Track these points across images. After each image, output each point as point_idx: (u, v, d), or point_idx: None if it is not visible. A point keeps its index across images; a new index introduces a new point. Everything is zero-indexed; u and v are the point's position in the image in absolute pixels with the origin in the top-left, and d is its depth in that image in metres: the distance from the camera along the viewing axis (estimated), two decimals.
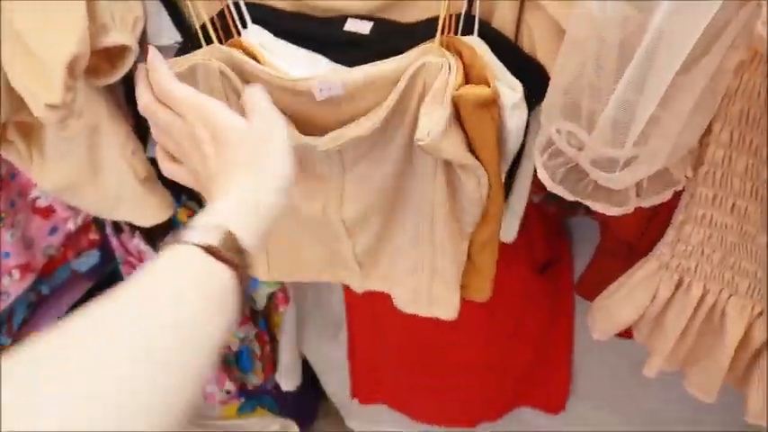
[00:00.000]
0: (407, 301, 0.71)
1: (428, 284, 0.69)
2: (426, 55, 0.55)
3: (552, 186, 0.56)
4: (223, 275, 0.39)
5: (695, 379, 0.65)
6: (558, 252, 0.89)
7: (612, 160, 0.53)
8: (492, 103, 0.56)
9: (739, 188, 0.56)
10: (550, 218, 0.87)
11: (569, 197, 0.56)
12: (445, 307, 0.69)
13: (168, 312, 0.36)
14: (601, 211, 0.56)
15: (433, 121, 0.54)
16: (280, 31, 0.59)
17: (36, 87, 0.55)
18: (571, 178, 0.56)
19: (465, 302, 0.70)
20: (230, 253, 0.40)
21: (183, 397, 0.34)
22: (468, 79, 0.56)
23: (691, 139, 0.52)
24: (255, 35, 0.58)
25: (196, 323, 0.36)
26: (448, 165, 0.60)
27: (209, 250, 0.39)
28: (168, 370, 0.33)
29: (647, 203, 0.56)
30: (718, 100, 0.51)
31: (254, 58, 0.56)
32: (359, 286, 0.72)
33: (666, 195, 0.56)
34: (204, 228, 0.41)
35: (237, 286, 0.40)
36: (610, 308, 0.65)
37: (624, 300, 0.64)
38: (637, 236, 0.67)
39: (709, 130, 0.55)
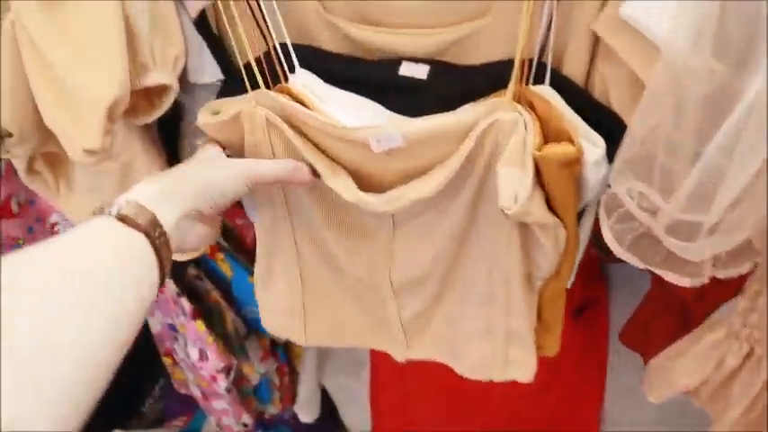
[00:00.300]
0: (475, 367, 0.65)
1: (503, 347, 0.63)
2: (497, 110, 0.50)
3: (620, 252, 0.52)
4: (133, 239, 0.43)
5: None
6: (595, 295, 0.85)
7: (692, 227, 0.49)
8: (576, 162, 0.52)
9: None
10: (592, 260, 0.83)
11: (640, 265, 0.52)
12: (523, 369, 0.64)
13: (84, 261, 0.39)
14: (672, 281, 0.52)
15: (518, 186, 0.49)
16: (329, 75, 0.55)
17: (73, 131, 0.51)
18: (642, 244, 0.52)
19: None
20: (143, 224, 0.44)
21: (104, 336, 0.37)
22: (545, 135, 0.52)
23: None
24: (304, 79, 0.55)
25: (110, 274, 0.40)
26: (523, 225, 0.55)
27: (121, 218, 0.43)
28: (86, 306, 0.37)
29: (723, 275, 0.52)
30: None
31: (303, 104, 0.52)
32: (401, 356, 0.67)
33: (746, 268, 0.52)
34: (118, 202, 0.45)
35: (151, 250, 0.43)
36: (670, 372, 0.62)
37: (687, 366, 0.61)
38: (696, 295, 0.63)
39: None
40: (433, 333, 0.65)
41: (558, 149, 0.50)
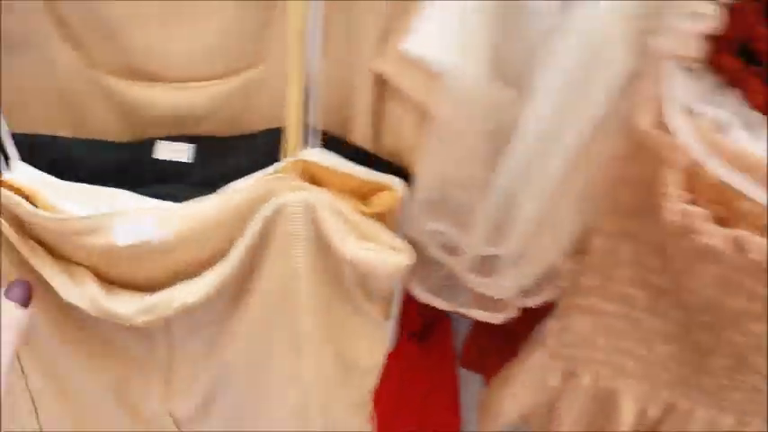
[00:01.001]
0: None
1: None
2: (278, 190, 0.44)
3: (428, 299, 0.50)
4: None
5: None
6: (436, 316, 0.84)
7: (493, 262, 0.48)
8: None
9: (626, 276, 0.53)
10: None
11: (445, 307, 0.51)
12: None
13: None
14: (484, 320, 0.51)
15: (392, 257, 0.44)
16: (67, 166, 0.45)
17: None
18: (447, 286, 0.51)
19: None
20: None
21: None
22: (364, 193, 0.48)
23: (570, 237, 0.49)
24: (26, 175, 0.44)
25: None
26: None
27: None
28: None
29: (533, 302, 0.52)
30: (593, 195, 0.48)
31: (30, 200, 0.43)
32: None
33: (553, 292, 0.52)
34: None
35: None
36: (499, 402, 0.61)
37: (512, 394, 0.60)
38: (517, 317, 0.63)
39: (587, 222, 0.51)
40: None
41: (383, 199, 0.47)
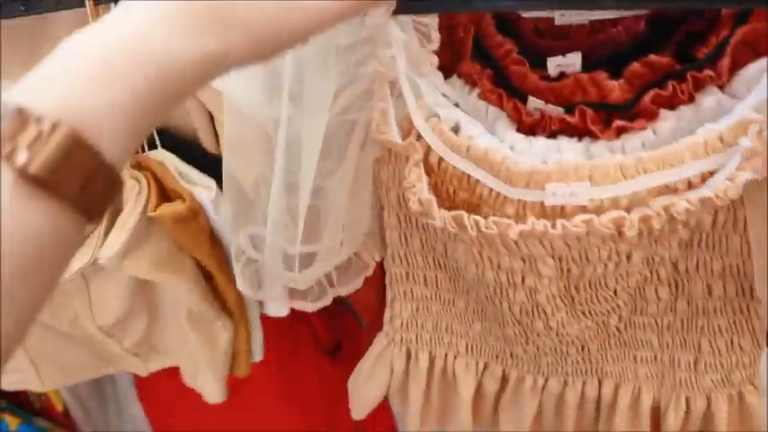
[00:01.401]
0: (189, 375, 0.73)
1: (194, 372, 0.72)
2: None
3: (254, 294, 0.59)
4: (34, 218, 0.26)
5: None
6: (348, 329, 0.91)
7: (291, 259, 0.56)
8: (191, 217, 0.59)
9: (422, 262, 0.60)
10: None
11: (268, 300, 0.59)
12: (210, 391, 0.72)
13: None
14: (300, 309, 0.60)
15: (112, 244, 0.58)
16: None
17: None
18: (267, 282, 0.59)
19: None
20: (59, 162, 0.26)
21: None
22: (166, 195, 0.60)
23: (359, 229, 0.57)
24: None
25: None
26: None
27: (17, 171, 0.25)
28: None
29: (344, 291, 0.60)
30: (368, 191, 0.56)
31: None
32: (144, 370, 0.75)
33: (359, 282, 0.60)
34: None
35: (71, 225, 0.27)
36: (359, 389, 0.68)
37: (368, 380, 0.67)
38: (376, 313, 0.70)
39: (381, 217, 0.59)
40: (164, 347, 0.72)
41: (168, 209, 0.58)
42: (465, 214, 0.49)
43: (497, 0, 0.48)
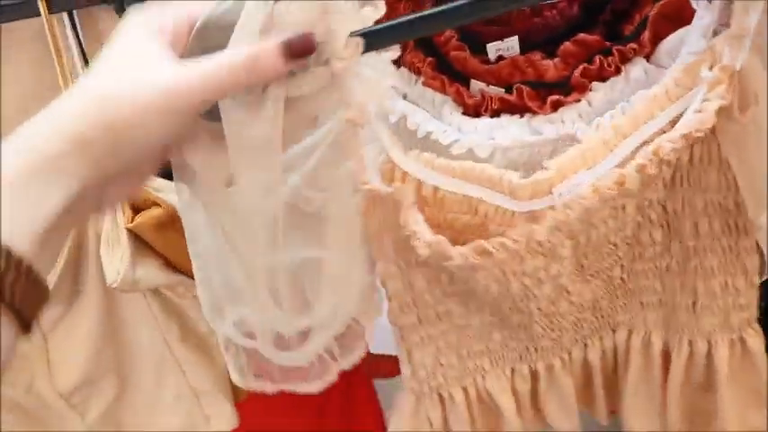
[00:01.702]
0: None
1: (197, 408, 0.68)
2: None
3: (247, 385, 0.54)
4: None
5: None
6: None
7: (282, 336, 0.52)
8: (170, 220, 0.56)
9: (431, 300, 0.58)
10: None
11: (269, 390, 0.54)
12: (223, 419, 0.69)
13: None
14: (305, 392, 0.55)
15: (116, 262, 0.54)
16: None
17: None
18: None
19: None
20: None
21: None
22: (137, 207, 0.57)
23: (355, 290, 0.54)
24: None
25: None
26: (157, 293, 0.61)
27: None
28: None
29: (347, 364, 0.56)
30: (357, 248, 0.53)
31: None
32: None
33: (362, 348, 0.57)
34: None
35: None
36: None
37: None
38: None
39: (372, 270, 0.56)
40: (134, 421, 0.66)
41: (145, 216, 0.56)
42: (484, 242, 0.49)
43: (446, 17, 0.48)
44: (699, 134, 0.48)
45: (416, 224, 0.50)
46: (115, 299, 0.61)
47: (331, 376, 0.56)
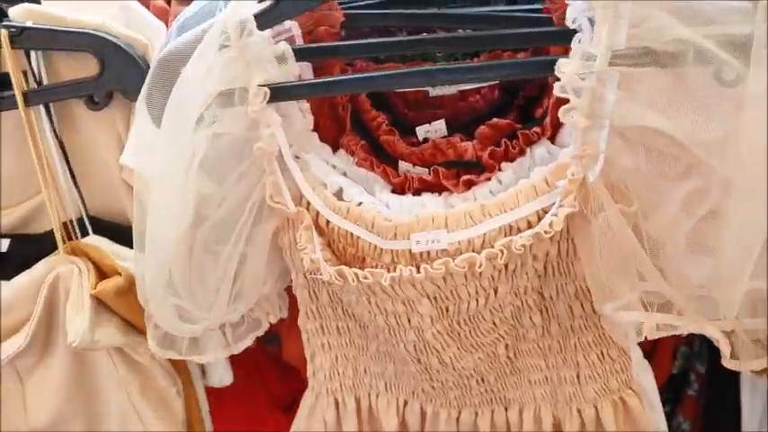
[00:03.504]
0: None
1: None
2: (57, 265, 0.66)
3: (162, 351, 0.66)
4: None
5: None
6: (300, 383, 0.96)
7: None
8: (130, 287, 0.67)
9: (333, 314, 0.67)
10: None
11: (176, 356, 0.67)
12: None
13: None
14: (206, 360, 0.67)
15: (77, 323, 0.64)
16: None
17: None
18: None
19: None
20: None
21: None
22: (104, 273, 0.68)
23: (253, 291, 0.65)
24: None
25: None
26: (120, 351, 0.70)
27: None
28: None
29: (237, 349, 0.67)
30: (262, 259, 0.63)
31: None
32: None
33: (250, 340, 0.68)
34: None
35: None
36: None
37: None
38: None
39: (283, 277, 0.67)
40: None
41: (109, 283, 0.66)
42: (346, 268, 0.57)
43: (354, 82, 0.58)
44: (548, 235, 0.53)
45: (308, 242, 0.59)
46: (84, 354, 0.69)
47: (217, 354, 0.68)
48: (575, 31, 0.50)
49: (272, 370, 0.94)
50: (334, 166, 0.62)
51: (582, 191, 0.52)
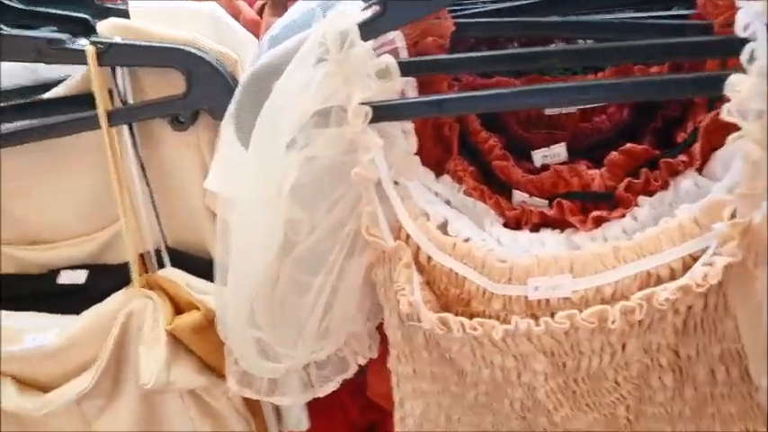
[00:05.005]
0: None
1: None
2: (130, 300, 0.61)
3: (240, 390, 0.60)
4: None
5: None
6: (377, 417, 0.89)
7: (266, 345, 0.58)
8: (209, 325, 0.62)
9: (428, 358, 0.60)
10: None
11: (254, 396, 0.61)
12: None
13: None
14: (284, 402, 0.62)
15: (151, 363, 0.60)
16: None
17: None
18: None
19: None
20: None
21: None
22: (180, 310, 0.63)
23: (342, 329, 0.58)
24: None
25: None
26: (193, 393, 0.65)
27: None
28: None
29: (321, 392, 0.61)
30: (354, 295, 0.57)
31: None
32: None
33: (336, 382, 0.61)
34: None
35: None
36: None
37: None
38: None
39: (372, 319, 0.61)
40: None
41: (185, 319, 0.61)
42: (450, 316, 0.50)
43: (475, 101, 0.50)
44: (700, 289, 0.44)
45: (407, 282, 0.52)
46: (154, 397, 0.64)
47: (305, 396, 0.62)
48: (745, 41, 0.41)
49: (350, 393, 0.88)
50: (436, 194, 0.55)
51: (746, 236, 0.42)
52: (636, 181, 0.51)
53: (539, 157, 0.56)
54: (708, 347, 0.49)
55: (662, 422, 0.54)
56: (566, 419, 0.54)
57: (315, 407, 0.77)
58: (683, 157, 0.49)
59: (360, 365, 0.64)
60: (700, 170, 0.49)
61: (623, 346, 0.49)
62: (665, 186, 0.50)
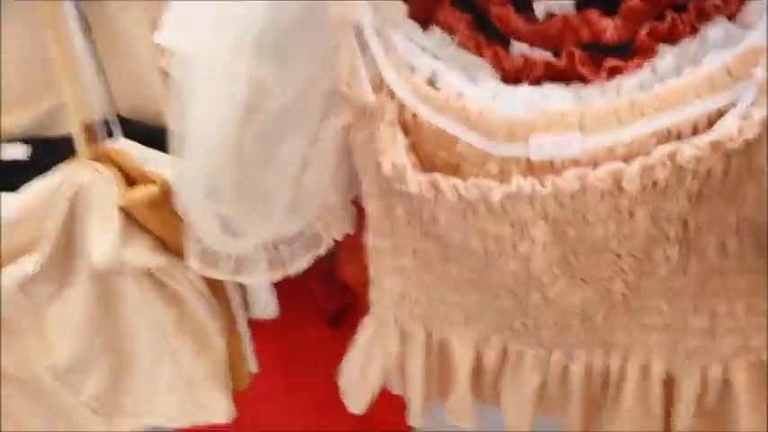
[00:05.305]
0: (173, 417, 0.68)
1: (190, 396, 0.66)
2: (77, 173, 0.54)
3: (203, 270, 0.55)
4: None
5: (450, 408, 0.63)
6: (347, 299, 0.85)
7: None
8: (165, 198, 0.55)
9: (409, 232, 0.55)
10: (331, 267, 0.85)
11: (219, 276, 0.55)
12: (215, 410, 0.66)
13: None
14: (252, 282, 0.57)
15: (103, 241, 0.53)
16: None
17: None
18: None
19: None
20: None
21: None
22: (133, 183, 0.56)
23: (313, 201, 0.52)
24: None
25: None
26: (152, 277, 0.59)
27: None
28: None
29: (292, 269, 0.56)
30: (328, 162, 0.51)
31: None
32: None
33: (308, 260, 0.56)
34: None
35: None
36: (355, 384, 0.63)
37: (363, 372, 0.62)
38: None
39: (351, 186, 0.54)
40: (130, 405, 0.66)
41: (139, 193, 0.54)
42: (441, 177, 0.44)
43: None
44: (733, 145, 0.39)
45: (390, 142, 0.46)
46: (109, 281, 0.58)
47: (281, 273, 0.56)
48: None
49: (319, 279, 0.83)
50: (423, 49, 0.48)
51: None
52: (661, 25, 0.44)
53: (541, 6, 0.49)
54: (723, 217, 0.45)
55: (659, 298, 0.51)
56: (559, 295, 0.50)
57: (283, 293, 0.72)
58: (716, 1, 0.42)
59: (335, 241, 0.58)
60: (731, 18, 0.43)
61: (631, 214, 0.44)
62: (692, 33, 0.43)
